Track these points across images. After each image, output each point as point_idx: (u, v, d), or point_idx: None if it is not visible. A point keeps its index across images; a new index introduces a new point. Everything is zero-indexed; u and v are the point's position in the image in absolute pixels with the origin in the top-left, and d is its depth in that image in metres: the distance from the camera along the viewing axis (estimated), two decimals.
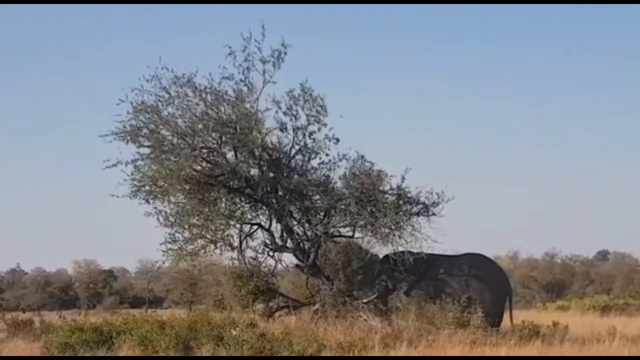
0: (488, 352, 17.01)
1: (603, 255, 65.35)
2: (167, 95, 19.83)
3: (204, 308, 20.64)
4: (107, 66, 75.40)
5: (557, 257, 56.98)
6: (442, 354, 16.82)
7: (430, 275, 21.43)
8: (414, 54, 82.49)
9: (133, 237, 70.38)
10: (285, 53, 19.78)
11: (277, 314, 21.47)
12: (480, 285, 21.25)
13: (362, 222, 20.58)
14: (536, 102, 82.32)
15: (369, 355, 16.91)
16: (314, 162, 20.77)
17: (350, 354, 16.94)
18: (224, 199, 20.50)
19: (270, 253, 21.45)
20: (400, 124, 78.00)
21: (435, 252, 21.72)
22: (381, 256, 22.32)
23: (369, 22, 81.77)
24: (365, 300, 20.66)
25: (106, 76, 68.23)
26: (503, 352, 16.86)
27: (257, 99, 19.99)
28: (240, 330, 17.54)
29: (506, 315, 21.71)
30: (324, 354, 16.70)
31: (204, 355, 17.03)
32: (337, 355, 16.90)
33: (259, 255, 21.29)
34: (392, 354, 16.88)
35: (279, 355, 16.70)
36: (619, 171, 77.62)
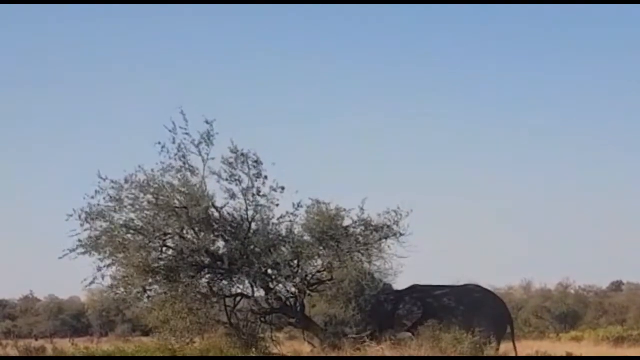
0: None
1: (617, 286, 64.92)
2: (117, 203, 20.18)
3: (216, 336, 20.54)
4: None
5: (570, 287, 56.60)
6: None
7: (429, 306, 21.62)
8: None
9: None
10: (212, 128, 20.13)
11: None
12: (481, 315, 21.35)
13: (337, 263, 20.72)
14: (545, 130, 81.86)
15: None
16: (274, 220, 20.96)
17: None
18: (198, 280, 20.69)
19: (262, 319, 21.63)
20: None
21: (435, 283, 22.07)
22: (393, 286, 22.50)
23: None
24: (356, 336, 20.82)
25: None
26: None
27: (203, 177, 20.34)
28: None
29: (507, 346, 21.81)
30: None
31: None
32: None
33: (251, 324, 21.39)
34: None
35: None
36: (633, 201, 77.20)
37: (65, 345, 24.91)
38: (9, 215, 74.99)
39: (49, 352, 23.81)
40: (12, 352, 24.83)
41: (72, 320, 57.36)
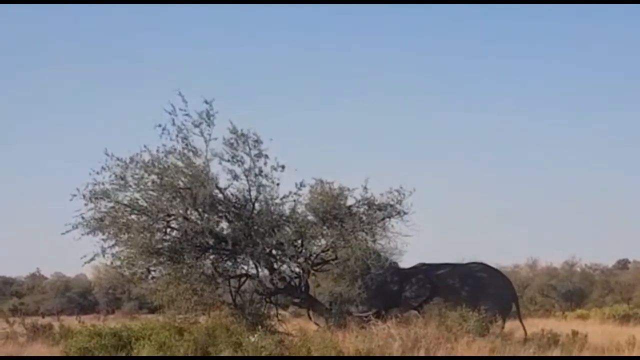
0: None
1: (623, 264, 64.97)
2: (122, 182, 20.09)
3: (222, 314, 20.59)
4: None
5: (576, 265, 56.77)
6: None
7: (435, 285, 21.72)
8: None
9: None
10: (212, 108, 19.94)
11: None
12: (486, 293, 21.44)
13: (340, 242, 20.71)
14: (554, 108, 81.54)
15: None
16: (277, 200, 20.84)
17: None
18: (202, 261, 20.65)
19: (267, 299, 21.67)
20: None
21: (440, 262, 22.17)
22: (399, 264, 22.55)
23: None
24: (362, 315, 20.85)
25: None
26: None
27: (207, 158, 20.22)
28: (259, 336, 17.58)
29: (514, 324, 21.91)
30: None
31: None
32: None
33: (257, 305, 21.40)
34: None
35: None
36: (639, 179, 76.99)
37: (72, 323, 25.02)
38: (16, 194, 75.30)
39: (56, 329, 23.93)
40: (19, 329, 24.95)
41: (79, 297, 57.64)
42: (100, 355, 17.76)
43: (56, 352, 19.25)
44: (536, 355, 17.94)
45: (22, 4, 61.54)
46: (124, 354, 17.77)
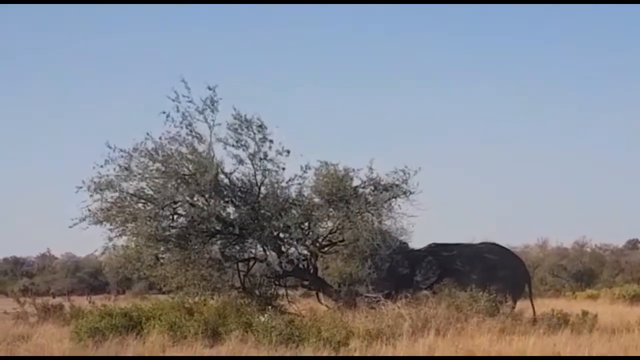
0: (516, 341, 16.94)
1: (633, 244, 64.71)
2: (126, 172, 20.07)
3: (231, 297, 20.63)
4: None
5: (586, 246, 56.65)
6: (470, 342, 16.77)
7: (446, 266, 21.70)
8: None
9: None
10: (215, 94, 19.94)
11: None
12: (499, 274, 21.42)
13: (347, 224, 20.64)
14: (561, 88, 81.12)
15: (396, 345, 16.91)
16: (283, 183, 20.90)
17: (379, 342, 16.89)
18: (209, 246, 20.69)
19: (276, 282, 21.70)
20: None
21: (452, 242, 22.12)
22: (409, 244, 22.52)
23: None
24: (372, 296, 20.83)
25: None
26: (532, 341, 16.76)
27: (210, 144, 20.21)
28: (269, 316, 17.60)
29: (524, 304, 21.89)
30: (351, 341, 16.68)
31: (232, 340, 17.05)
32: (365, 344, 16.85)
33: (265, 289, 21.45)
34: (420, 341, 16.84)
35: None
36: None
37: (83, 303, 25.09)
38: (27, 175, 75.47)
39: (67, 310, 24.01)
40: (30, 310, 25.03)
41: (89, 278, 57.67)
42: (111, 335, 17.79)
43: (66, 332, 19.28)
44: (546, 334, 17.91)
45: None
46: (134, 334, 17.80)
